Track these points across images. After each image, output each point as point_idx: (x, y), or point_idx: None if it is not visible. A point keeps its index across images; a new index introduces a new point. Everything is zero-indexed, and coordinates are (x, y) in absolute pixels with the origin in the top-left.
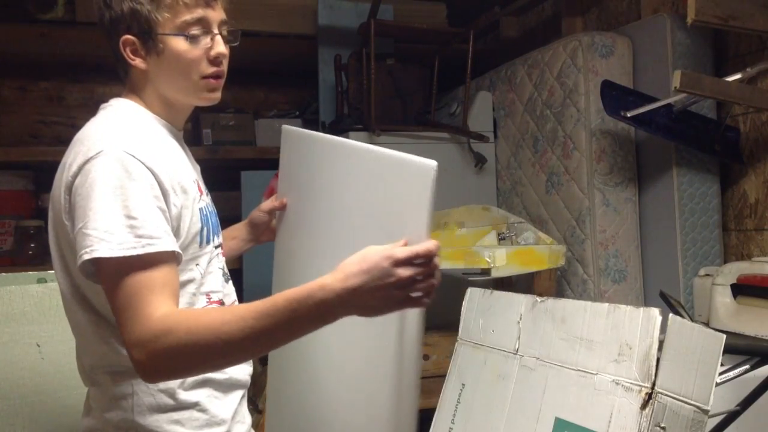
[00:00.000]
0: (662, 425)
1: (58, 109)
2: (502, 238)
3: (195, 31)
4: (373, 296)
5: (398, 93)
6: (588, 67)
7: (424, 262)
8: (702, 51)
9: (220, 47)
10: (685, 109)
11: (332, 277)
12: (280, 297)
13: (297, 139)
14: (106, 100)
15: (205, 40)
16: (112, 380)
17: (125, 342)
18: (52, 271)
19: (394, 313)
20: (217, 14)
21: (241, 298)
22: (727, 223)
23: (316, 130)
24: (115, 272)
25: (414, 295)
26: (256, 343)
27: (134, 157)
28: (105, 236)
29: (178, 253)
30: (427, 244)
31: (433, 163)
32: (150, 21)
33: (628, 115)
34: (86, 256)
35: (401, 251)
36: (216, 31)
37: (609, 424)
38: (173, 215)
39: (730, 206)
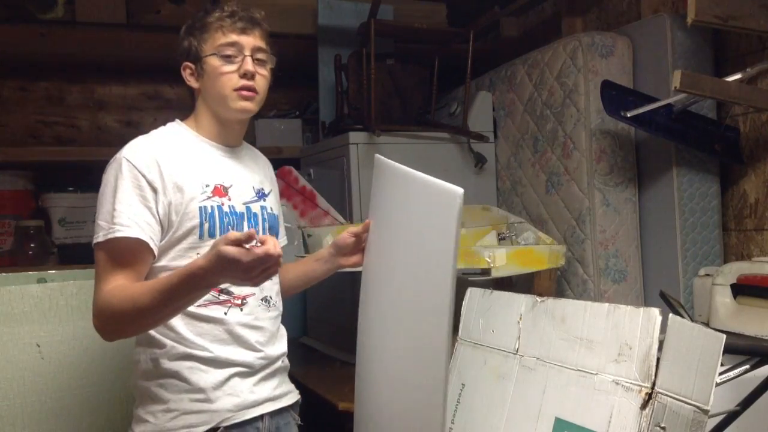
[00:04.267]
0: (662, 425)
1: (58, 109)
2: (502, 238)
3: (228, 51)
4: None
5: (398, 93)
6: (588, 67)
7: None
8: (702, 51)
9: (248, 65)
10: (685, 109)
11: (202, 258)
12: (175, 274)
13: (378, 168)
14: (105, 100)
15: (238, 60)
16: (135, 347)
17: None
18: (53, 271)
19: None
20: (250, 41)
21: None
22: (727, 223)
23: (316, 130)
24: (98, 254)
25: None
26: (163, 307)
27: (129, 161)
28: (102, 224)
29: (143, 241)
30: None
31: (460, 190)
32: (197, 48)
33: (628, 115)
34: (94, 241)
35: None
36: (248, 53)
37: (609, 424)
38: (160, 210)
39: (730, 206)
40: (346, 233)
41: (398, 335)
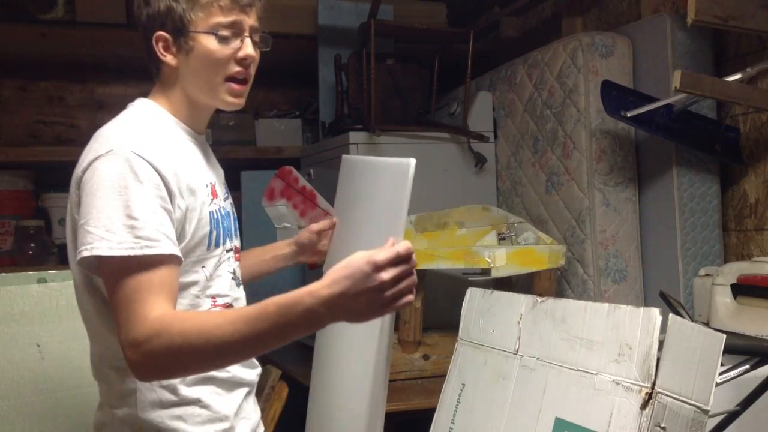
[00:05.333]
0: (662, 425)
1: (58, 109)
2: (502, 238)
3: (226, 32)
4: (357, 301)
5: (398, 93)
6: (588, 67)
7: (404, 260)
8: (702, 51)
9: (249, 49)
10: (685, 109)
11: (320, 284)
12: (271, 303)
13: (346, 167)
14: (105, 100)
15: (235, 42)
16: (117, 376)
17: (121, 342)
18: (53, 271)
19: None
20: (250, 20)
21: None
22: (727, 223)
23: (316, 130)
24: (115, 271)
25: (398, 296)
26: (247, 347)
27: (142, 157)
28: (105, 235)
29: (177, 256)
30: (405, 244)
31: (412, 160)
32: (184, 19)
33: (628, 115)
34: (85, 253)
35: (382, 254)
36: (247, 34)
37: (609, 424)
38: (178, 217)
39: (730, 206)
40: (307, 231)
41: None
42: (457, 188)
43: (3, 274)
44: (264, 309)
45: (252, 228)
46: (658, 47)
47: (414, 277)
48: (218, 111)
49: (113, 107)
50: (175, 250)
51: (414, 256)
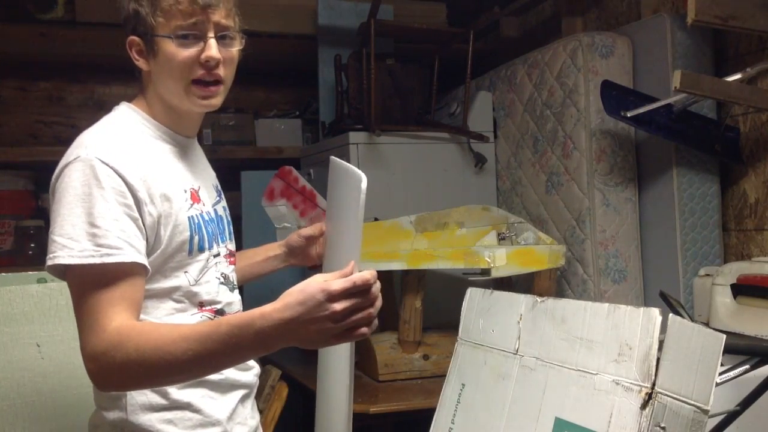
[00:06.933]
0: (662, 425)
1: (58, 109)
2: (502, 238)
3: (185, 34)
4: (307, 328)
5: (398, 93)
6: (588, 67)
7: (361, 293)
8: (702, 51)
9: (211, 51)
10: (685, 109)
11: (272, 306)
12: (224, 322)
13: (334, 170)
14: (105, 100)
15: (198, 45)
16: None
17: (81, 352)
18: None
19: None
20: (215, 18)
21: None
22: (727, 223)
23: (316, 130)
24: (77, 280)
25: (352, 327)
26: (198, 365)
27: (106, 164)
28: (67, 243)
29: (140, 264)
30: (363, 275)
31: (361, 174)
32: (147, 23)
33: (628, 115)
34: (49, 262)
35: (337, 284)
36: (210, 35)
37: (609, 424)
38: (148, 224)
39: (730, 206)
40: (296, 234)
41: None
42: (457, 188)
43: (3, 274)
44: (216, 328)
45: (252, 228)
46: (658, 47)
47: (372, 310)
48: (218, 111)
49: (113, 107)
50: (139, 257)
51: (375, 287)
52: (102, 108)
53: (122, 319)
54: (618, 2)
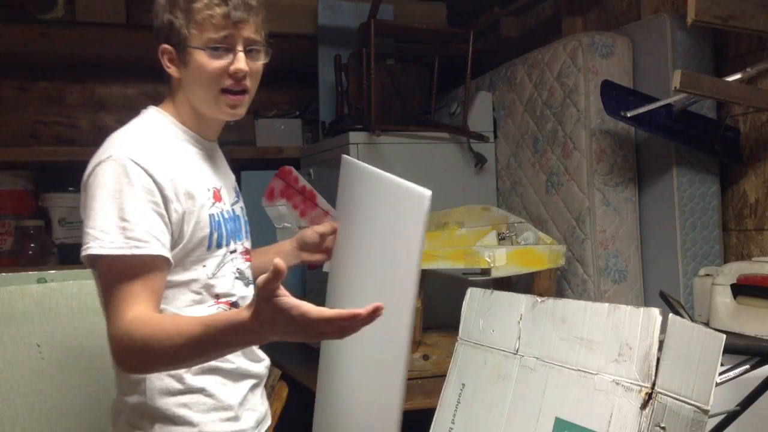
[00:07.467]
0: (662, 425)
1: (58, 109)
2: (502, 238)
3: (217, 47)
4: (281, 332)
5: (398, 93)
6: (588, 67)
7: (346, 324)
8: (702, 51)
9: (240, 63)
10: (685, 109)
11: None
12: (212, 324)
13: (346, 169)
14: (105, 100)
15: (228, 57)
16: None
17: (107, 335)
18: (53, 271)
19: (389, 318)
20: (245, 33)
21: None
22: (727, 223)
23: (316, 130)
24: (105, 270)
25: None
26: (190, 358)
27: (137, 164)
28: (99, 235)
29: (164, 257)
30: (353, 312)
31: (428, 192)
32: (181, 34)
33: (628, 115)
34: (83, 252)
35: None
36: (240, 48)
37: (609, 424)
38: (174, 220)
39: (730, 206)
40: (311, 230)
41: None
42: (457, 188)
43: (3, 274)
44: (207, 329)
45: (252, 228)
46: (658, 47)
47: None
48: None
49: (113, 107)
50: (164, 251)
51: (358, 323)
52: (102, 108)
53: (139, 310)
54: (618, 2)
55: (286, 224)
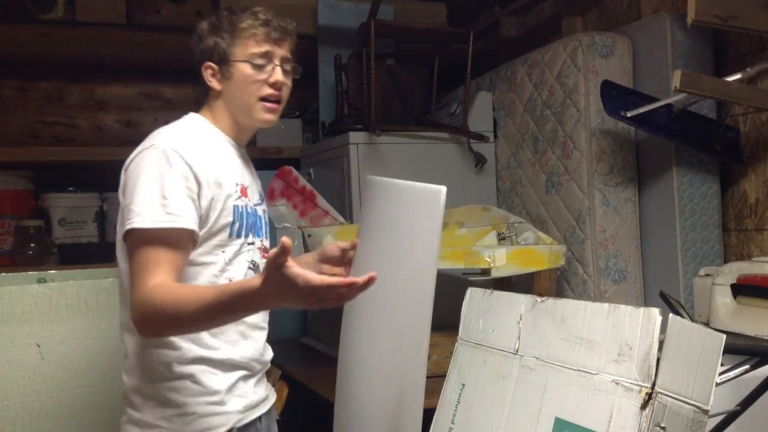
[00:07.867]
0: (662, 425)
1: (58, 109)
2: (502, 238)
3: (259, 60)
4: (288, 303)
5: (398, 93)
6: (588, 67)
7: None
8: (702, 51)
9: (278, 75)
10: (685, 109)
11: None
12: (227, 291)
13: (368, 186)
14: (105, 100)
15: (268, 69)
16: (130, 343)
17: (131, 301)
18: (53, 271)
19: (406, 317)
20: (281, 51)
21: None
22: (727, 223)
23: (316, 130)
24: (139, 241)
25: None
26: (206, 321)
27: (176, 152)
28: (143, 211)
29: (195, 231)
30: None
31: (443, 187)
32: (226, 52)
33: (628, 115)
34: (129, 226)
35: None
36: (277, 63)
37: (609, 424)
38: (204, 205)
39: (730, 206)
40: (334, 245)
41: (381, 329)
42: (457, 188)
43: (3, 274)
44: (220, 296)
45: None
46: (658, 47)
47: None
48: None
49: (113, 107)
50: (194, 226)
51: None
52: (102, 108)
53: (160, 279)
54: (618, 2)
55: (286, 224)
